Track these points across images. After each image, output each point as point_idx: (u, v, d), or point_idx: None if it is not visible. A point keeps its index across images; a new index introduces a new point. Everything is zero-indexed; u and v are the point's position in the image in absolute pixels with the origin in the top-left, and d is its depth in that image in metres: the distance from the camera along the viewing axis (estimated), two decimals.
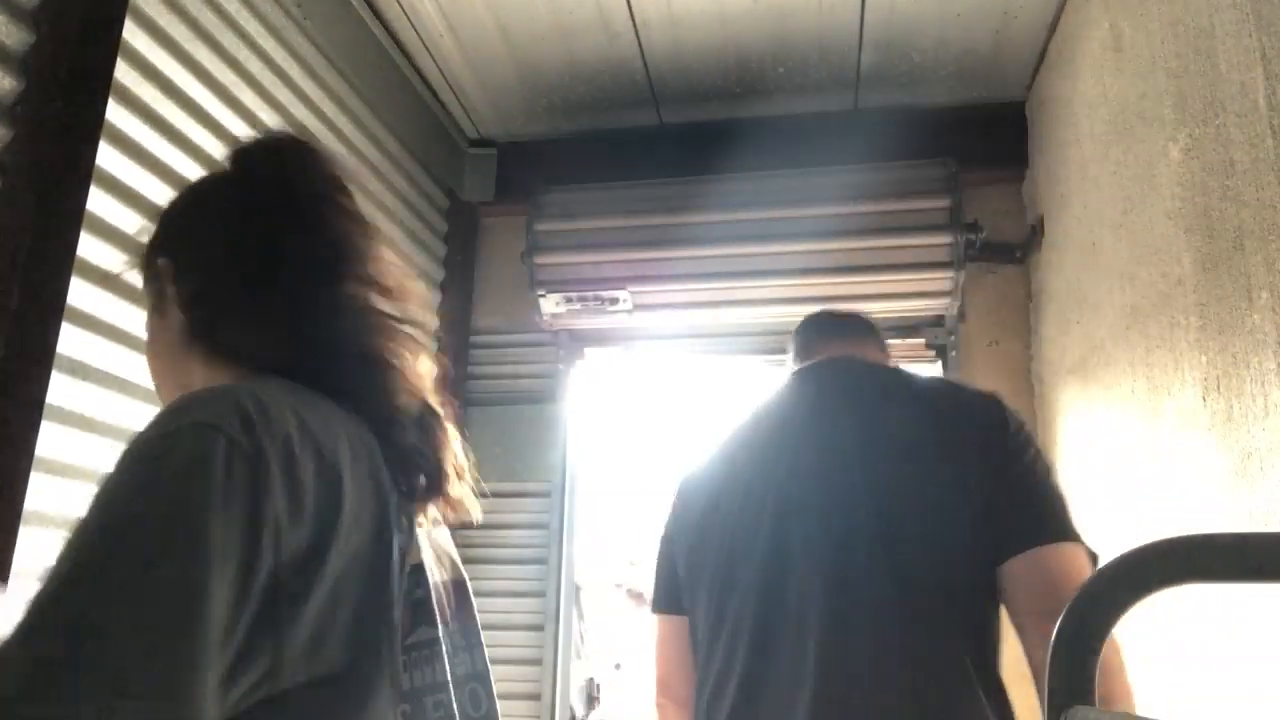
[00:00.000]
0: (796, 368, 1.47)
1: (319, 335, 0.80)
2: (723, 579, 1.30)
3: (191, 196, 0.92)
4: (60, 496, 1.42)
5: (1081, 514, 2.24)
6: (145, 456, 0.61)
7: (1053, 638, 0.63)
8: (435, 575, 0.85)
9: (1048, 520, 1.18)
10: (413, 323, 0.87)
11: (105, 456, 1.51)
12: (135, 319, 1.58)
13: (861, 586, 1.17)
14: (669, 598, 1.44)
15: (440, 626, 0.83)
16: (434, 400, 0.90)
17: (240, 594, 0.58)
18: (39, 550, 1.39)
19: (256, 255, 0.81)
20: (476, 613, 0.96)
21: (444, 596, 0.87)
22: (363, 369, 0.82)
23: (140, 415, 1.59)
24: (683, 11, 2.41)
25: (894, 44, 2.53)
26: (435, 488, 0.85)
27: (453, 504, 0.89)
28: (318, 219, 0.83)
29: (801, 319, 1.60)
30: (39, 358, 1.33)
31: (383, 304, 0.85)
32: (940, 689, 1.12)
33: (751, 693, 1.21)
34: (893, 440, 1.26)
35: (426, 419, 0.87)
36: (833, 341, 1.48)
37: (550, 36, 2.53)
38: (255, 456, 0.62)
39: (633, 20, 2.46)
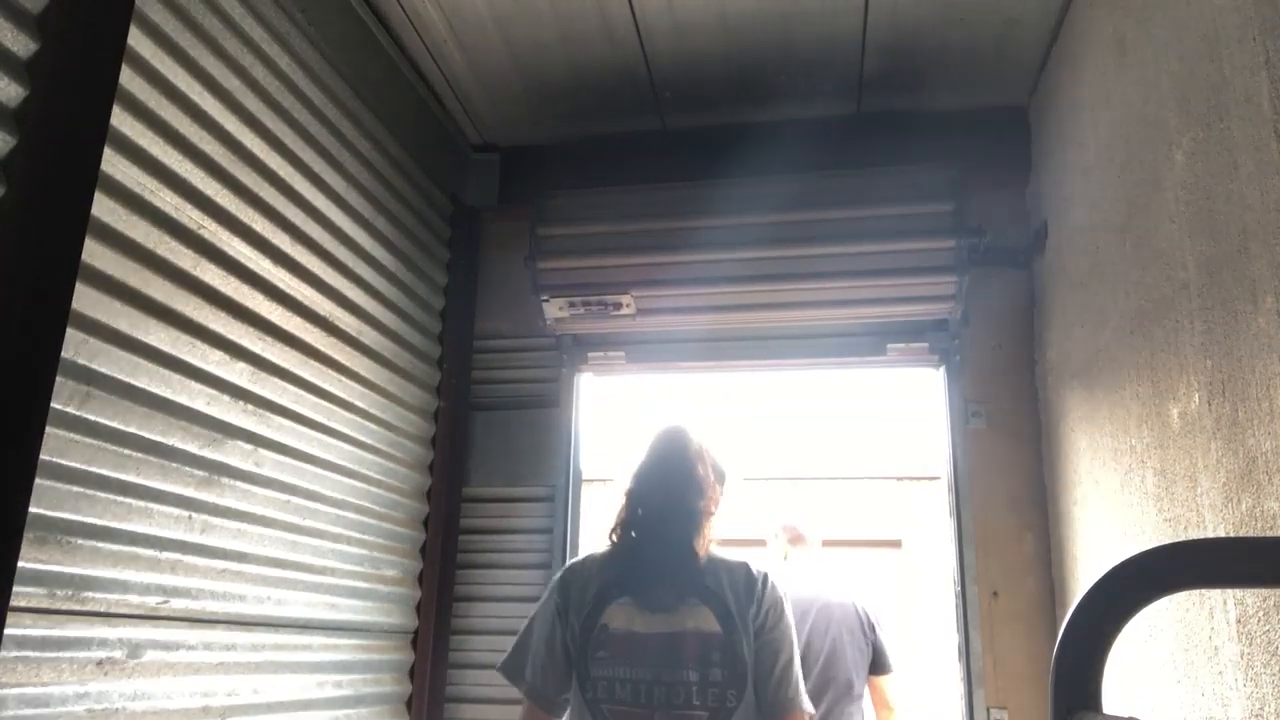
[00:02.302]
0: None
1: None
2: None
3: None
4: (62, 501, 1.43)
5: (1085, 518, 2.23)
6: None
7: (1057, 641, 0.62)
8: (621, 628, 1.72)
9: None
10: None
11: (107, 460, 1.51)
12: (138, 324, 1.58)
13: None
14: None
15: (624, 657, 1.69)
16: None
17: (556, 628, 1.77)
18: (41, 553, 1.39)
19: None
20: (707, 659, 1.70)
21: (635, 641, 1.70)
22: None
23: (141, 418, 1.59)
24: (686, 18, 2.42)
25: (897, 49, 2.54)
26: (625, 589, 1.75)
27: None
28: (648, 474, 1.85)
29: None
30: (44, 363, 1.33)
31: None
32: None
33: None
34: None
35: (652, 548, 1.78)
36: None
37: (554, 42, 2.53)
38: (559, 582, 1.82)
39: (636, 26, 2.46)
